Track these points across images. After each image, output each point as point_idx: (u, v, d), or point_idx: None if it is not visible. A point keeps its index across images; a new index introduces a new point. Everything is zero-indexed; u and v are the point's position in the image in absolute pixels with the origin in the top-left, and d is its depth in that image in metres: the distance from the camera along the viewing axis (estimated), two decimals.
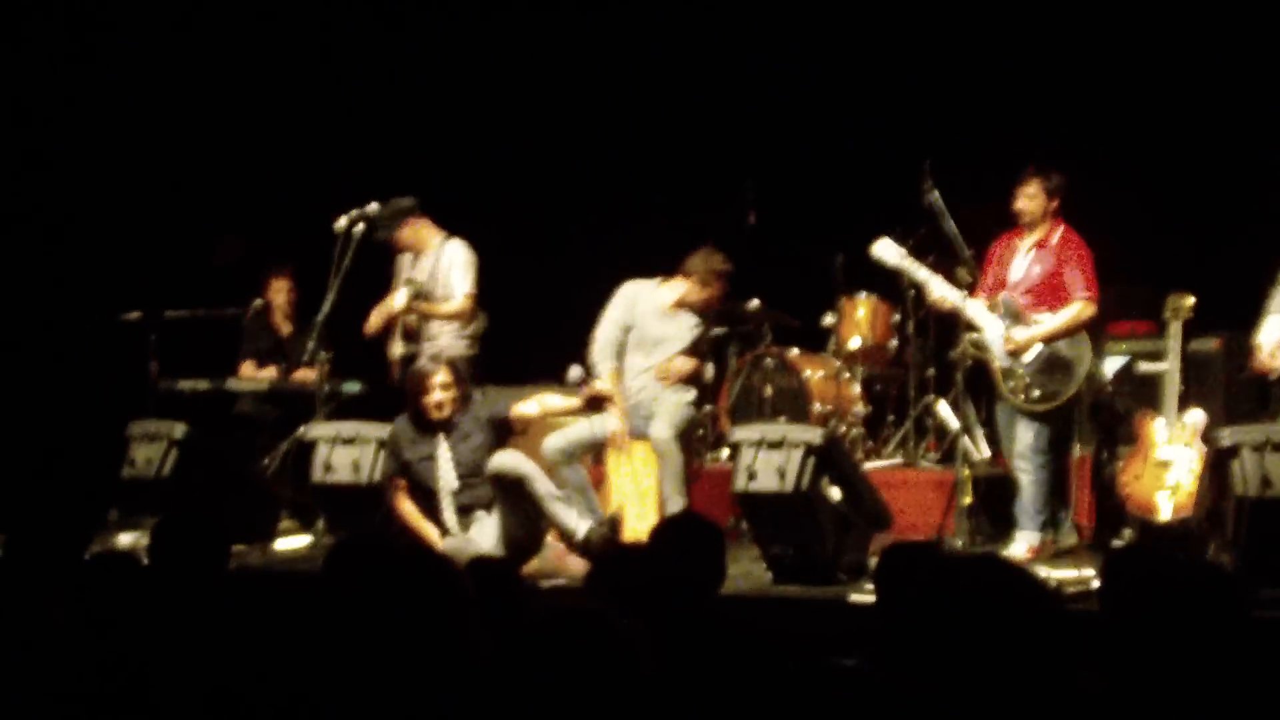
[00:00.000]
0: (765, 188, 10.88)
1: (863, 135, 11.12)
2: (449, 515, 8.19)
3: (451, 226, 9.56)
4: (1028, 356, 8.44)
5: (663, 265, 10.17)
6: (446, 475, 8.17)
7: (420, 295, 9.27)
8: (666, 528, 5.26)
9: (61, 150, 11.04)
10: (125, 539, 8.51)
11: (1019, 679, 2.85)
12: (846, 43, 11.30)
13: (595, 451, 9.23)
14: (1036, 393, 8.43)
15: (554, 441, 8.69)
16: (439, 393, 8.11)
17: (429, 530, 8.16)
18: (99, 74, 11.20)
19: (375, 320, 9.39)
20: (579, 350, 9.46)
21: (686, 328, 9.11)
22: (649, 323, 9.11)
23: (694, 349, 9.13)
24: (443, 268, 9.39)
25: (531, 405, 8.40)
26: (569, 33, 11.72)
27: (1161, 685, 3.16)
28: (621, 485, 8.93)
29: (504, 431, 8.28)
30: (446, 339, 9.36)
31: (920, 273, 8.92)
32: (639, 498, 8.86)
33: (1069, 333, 8.42)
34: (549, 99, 11.83)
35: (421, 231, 9.49)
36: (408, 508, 8.27)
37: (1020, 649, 2.86)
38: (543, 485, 7.97)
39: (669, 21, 11.61)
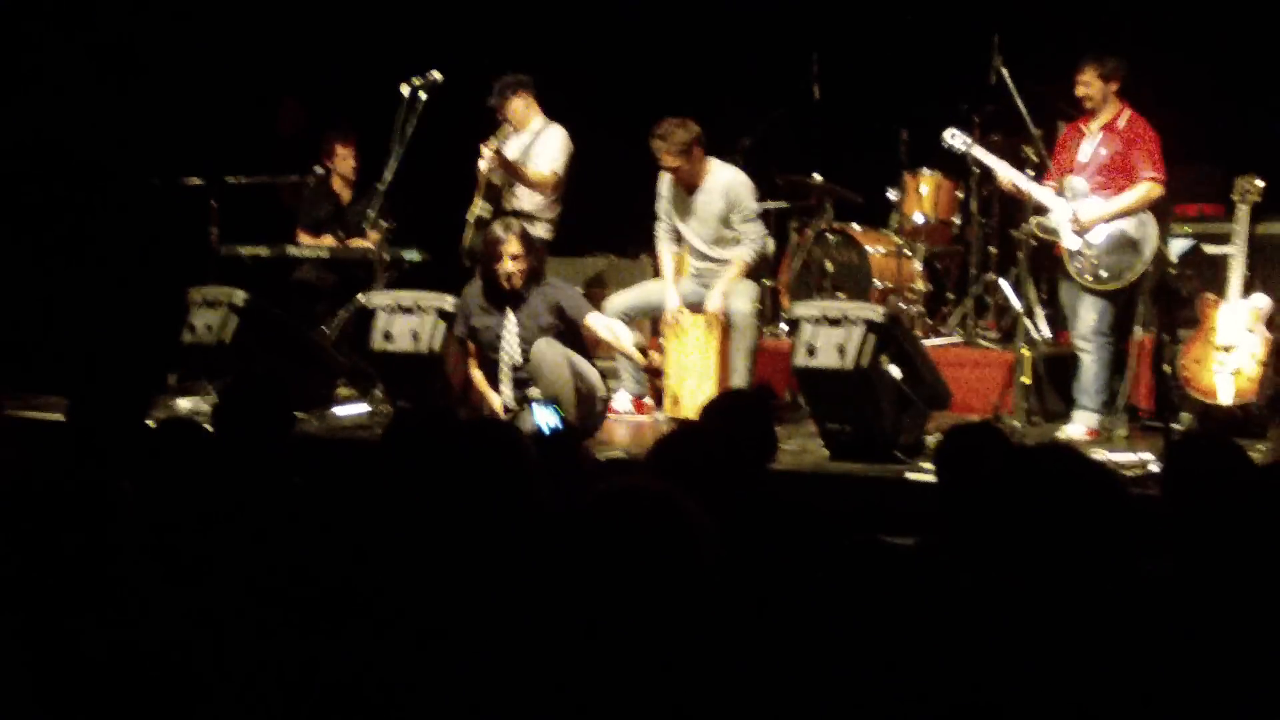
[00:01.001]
0: (830, 61, 10.79)
1: (930, 8, 11.00)
2: (506, 388, 8.22)
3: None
4: (1095, 237, 8.42)
5: (728, 139, 10.18)
6: (510, 348, 8.17)
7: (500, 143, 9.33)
8: (714, 404, 5.31)
9: (127, 14, 11.02)
10: (184, 404, 8.62)
11: (1083, 565, 2.87)
12: None
13: (654, 319, 9.29)
14: (1104, 273, 8.42)
15: (617, 301, 9.02)
16: (509, 262, 8.06)
17: (494, 398, 8.23)
18: None
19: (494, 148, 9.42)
20: (641, 223, 9.51)
21: (708, 210, 9.12)
22: (677, 205, 9.21)
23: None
24: (536, 147, 9.45)
25: (604, 327, 8.28)
26: None
27: (1223, 569, 3.19)
28: (681, 357, 8.97)
29: (574, 331, 8.23)
30: (528, 205, 9.42)
31: (989, 159, 8.92)
32: (699, 372, 8.90)
33: (1135, 211, 8.39)
34: None
35: (530, 108, 9.55)
36: (477, 374, 8.33)
37: (1086, 537, 2.88)
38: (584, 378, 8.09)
39: None
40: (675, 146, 8.88)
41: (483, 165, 9.36)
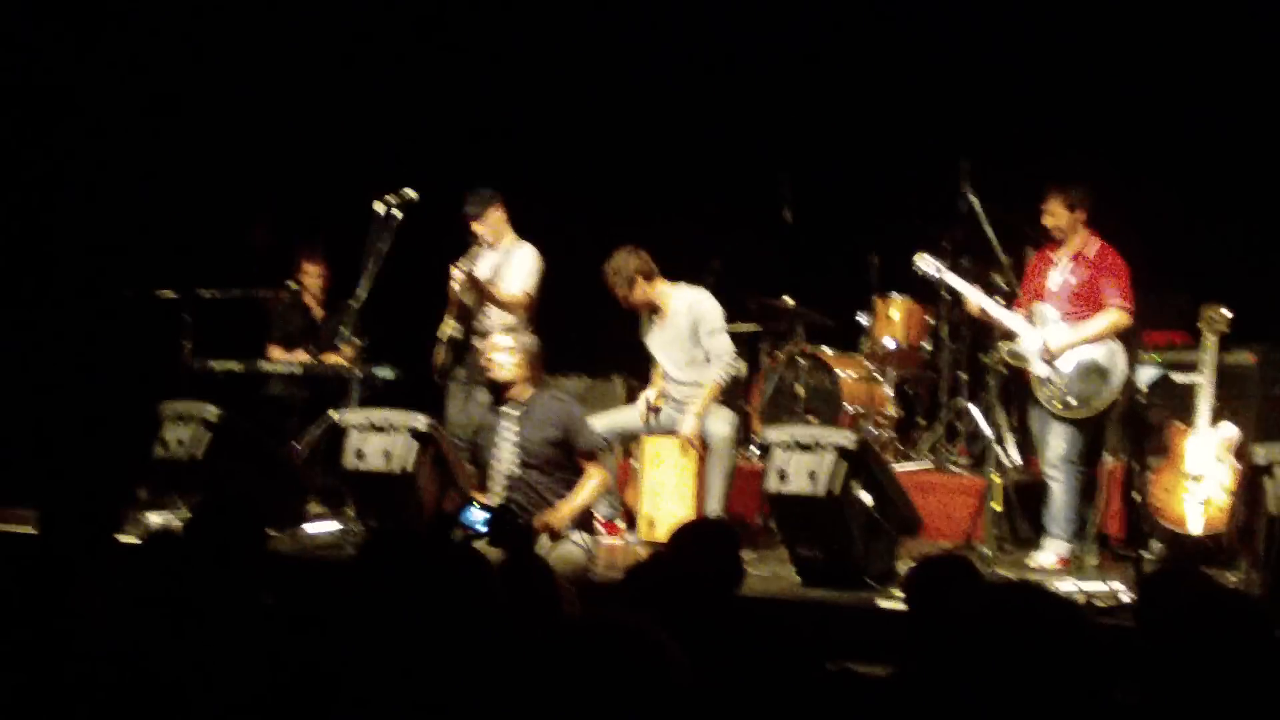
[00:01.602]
0: (801, 185, 10.89)
1: (900, 134, 11.12)
2: (495, 498, 7.87)
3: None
4: (1064, 364, 8.48)
5: (697, 262, 10.24)
6: (506, 455, 7.90)
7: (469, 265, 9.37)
8: (681, 532, 5.30)
9: (98, 126, 11.08)
10: (155, 518, 8.57)
11: (1051, 699, 2.88)
12: (884, 40, 11.30)
13: (626, 443, 9.31)
14: (1072, 400, 8.47)
15: (598, 423, 8.79)
16: (495, 352, 7.96)
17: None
18: (136, 50, 11.24)
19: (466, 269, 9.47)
20: (613, 344, 9.56)
21: (675, 331, 9.20)
22: (649, 334, 9.35)
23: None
24: (508, 266, 9.52)
25: (591, 488, 7.91)
26: (602, 26, 11.73)
27: (1194, 703, 3.20)
28: (658, 480, 8.98)
29: (569, 455, 7.93)
30: (497, 330, 9.44)
31: (959, 284, 9.01)
32: (675, 495, 8.91)
33: (1103, 339, 8.46)
34: (582, 93, 11.85)
35: (504, 225, 9.62)
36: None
37: (1053, 673, 2.89)
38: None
39: (704, 17, 11.62)
40: (623, 277, 9.03)
41: (454, 286, 9.39)
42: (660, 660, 2.65)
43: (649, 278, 9.08)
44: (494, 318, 9.49)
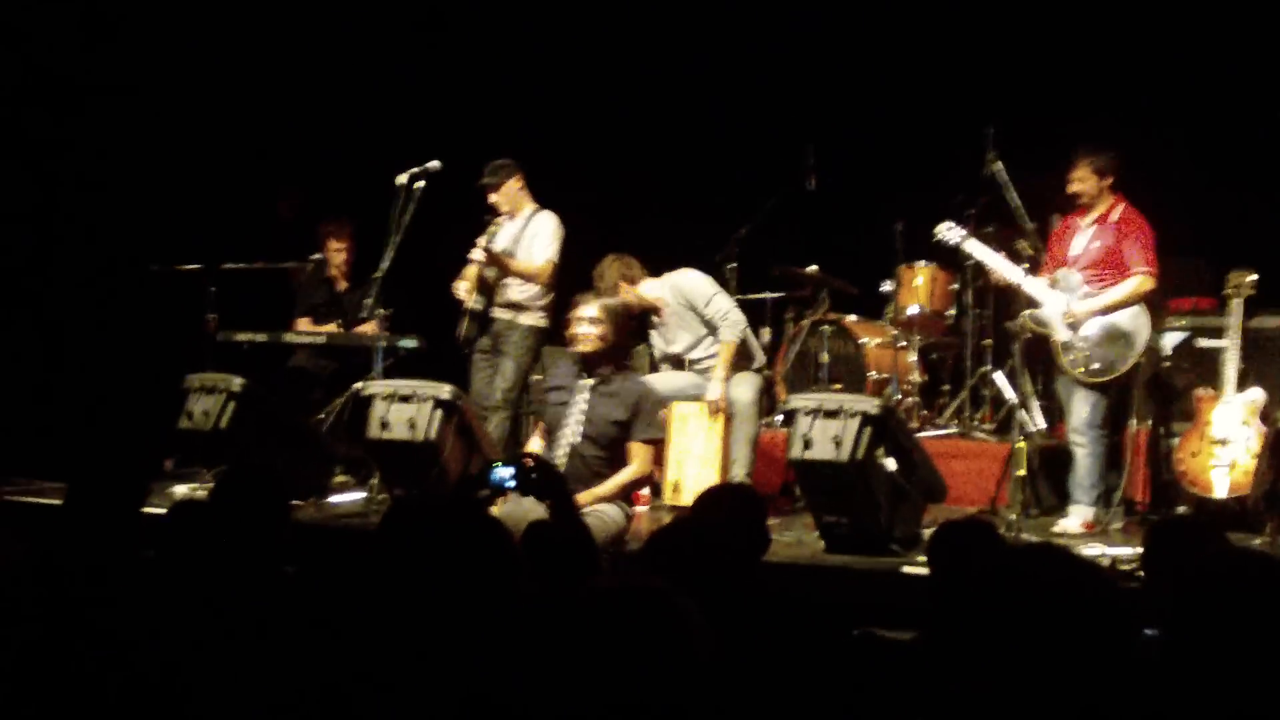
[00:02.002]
0: (826, 153, 10.86)
1: (923, 101, 11.09)
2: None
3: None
4: (1087, 329, 8.44)
5: (723, 232, 10.24)
6: (572, 425, 7.59)
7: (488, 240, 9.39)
8: (706, 497, 5.27)
9: (121, 101, 11.09)
10: (181, 489, 8.59)
11: (1074, 658, 2.87)
12: (906, 6, 11.26)
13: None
14: (1096, 365, 8.43)
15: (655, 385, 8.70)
16: (582, 325, 7.64)
17: None
18: (160, 24, 11.24)
19: (468, 287, 9.51)
20: (639, 314, 9.55)
21: (672, 321, 9.22)
22: (658, 332, 9.42)
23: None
24: (528, 234, 9.51)
25: (624, 477, 7.60)
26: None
27: (1205, 654, 3.19)
28: (684, 446, 8.98)
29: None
30: (519, 297, 9.48)
31: (983, 253, 8.97)
32: (700, 460, 8.91)
33: (1127, 305, 8.41)
34: (607, 66, 11.83)
35: (522, 194, 9.61)
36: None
37: (1077, 633, 2.88)
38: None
39: None
40: (607, 283, 9.04)
41: (475, 257, 9.40)
42: (683, 625, 2.64)
43: (632, 281, 9.11)
44: (515, 288, 9.50)
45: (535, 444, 7.71)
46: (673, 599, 2.66)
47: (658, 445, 8.10)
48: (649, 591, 2.69)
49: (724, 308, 9.08)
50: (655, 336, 9.40)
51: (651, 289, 9.21)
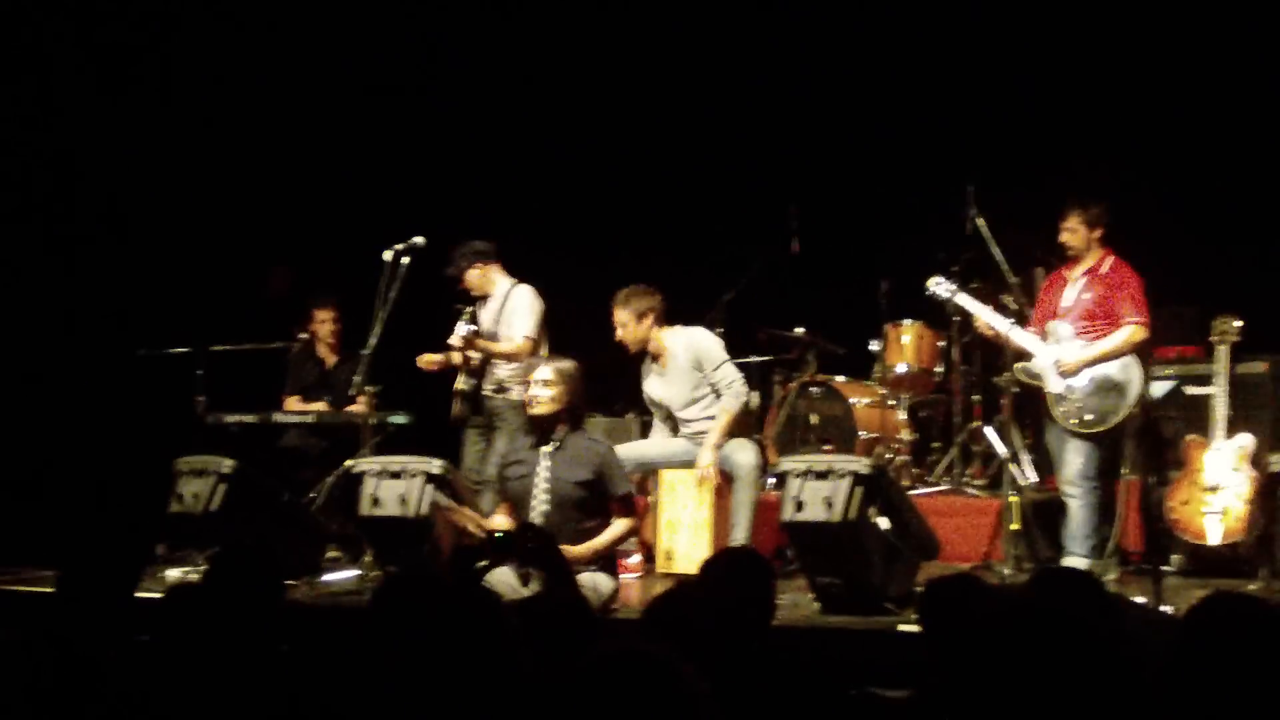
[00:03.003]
0: (808, 214, 10.90)
1: (905, 160, 11.13)
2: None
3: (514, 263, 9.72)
4: (1080, 380, 8.45)
5: (705, 295, 10.25)
6: (540, 494, 7.70)
7: (477, 334, 9.38)
8: (714, 562, 5.24)
9: (108, 184, 11.12)
10: (174, 573, 8.57)
11: (1076, 703, 2.87)
12: (888, 67, 11.32)
13: (644, 475, 9.27)
14: (1089, 416, 8.44)
15: (622, 452, 8.69)
16: (536, 387, 7.77)
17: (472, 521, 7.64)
18: (148, 104, 11.29)
19: (430, 360, 9.56)
20: (622, 381, 9.57)
21: (677, 373, 9.19)
22: (654, 382, 9.33)
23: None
24: (506, 311, 9.53)
25: (612, 534, 7.72)
26: (607, 60, 11.78)
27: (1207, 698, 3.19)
28: (674, 514, 8.97)
29: (601, 500, 7.75)
30: (505, 376, 9.50)
31: (975, 306, 9.00)
32: (692, 528, 8.90)
33: (1119, 355, 8.43)
34: (587, 128, 11.89)
35: (489, 275, 9.67)
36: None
37: (1070, 685, 2.88)
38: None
39: (708, 48, 11.66)
40: (632, 308, 9.05)
41: (455, 341, 9.42)
42: (688, 692, 2.61)
43: (657, 320, 9.09)
44: (502, 366, 9.54)
45: (500, 520, 7.71)
46: (678, 665, 2.64)
47: (635, 498, 8.17)
48: (654, 658, 2.65)
49: (730, 376, 9.06)
50: (652, 382, 9.33)
51: (665, 335, 9.20)
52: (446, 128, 12.03)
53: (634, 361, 9.42)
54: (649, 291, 9.10)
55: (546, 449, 7.75)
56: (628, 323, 9.06)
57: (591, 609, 4.68)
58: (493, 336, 9.51)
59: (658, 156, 11.78)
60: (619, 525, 7.72)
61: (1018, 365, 8.72)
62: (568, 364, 7.92)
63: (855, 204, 11.22)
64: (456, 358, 9.63)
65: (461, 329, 9.41)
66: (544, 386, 7.77)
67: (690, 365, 9.09)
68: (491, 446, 9.51)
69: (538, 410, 7.77)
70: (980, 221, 9.42)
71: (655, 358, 9.23)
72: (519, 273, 9.73)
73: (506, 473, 7.92)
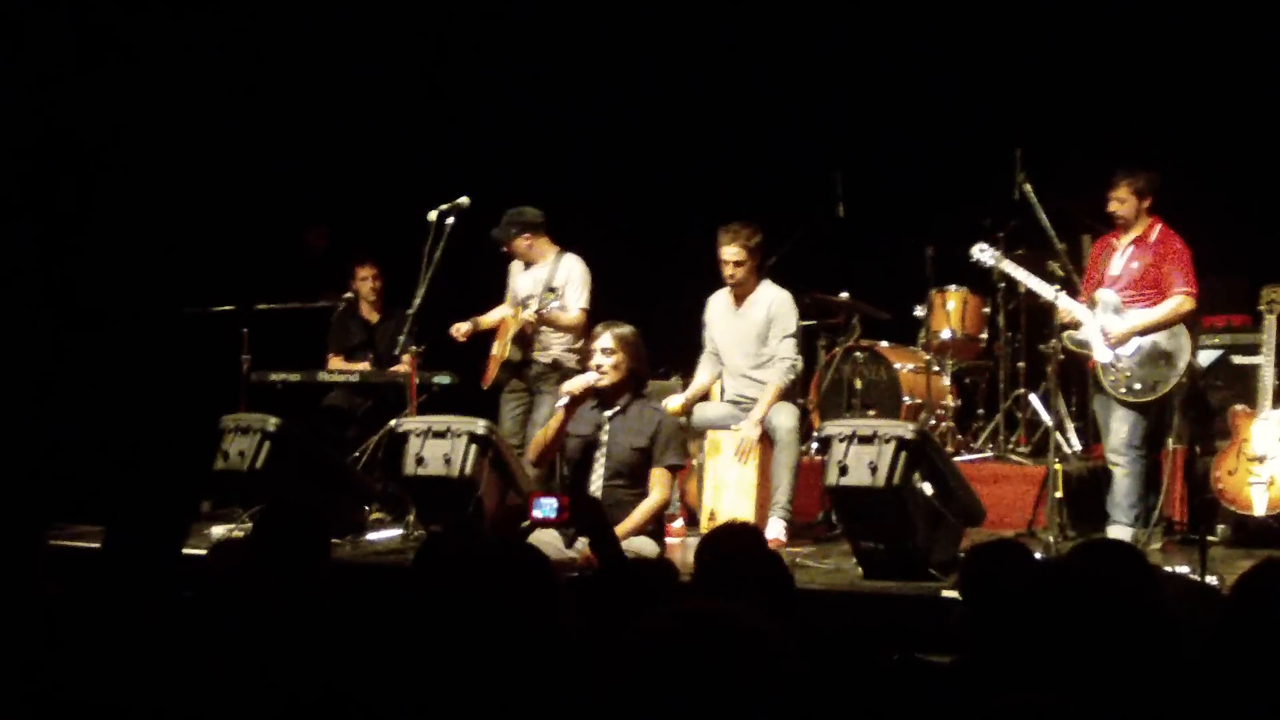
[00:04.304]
0: (854, 179, 10.85)
1: (952, 124, 11.07)
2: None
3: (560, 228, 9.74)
4: (1128, 349, 8.42)
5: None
6: (600, 461, 7.79)
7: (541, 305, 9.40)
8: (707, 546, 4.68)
9: (153, 144, 11.13)
10: (218, 530, 8.61)
11: (1116, 671, 2.85)
12: (935, 29, 11.25)
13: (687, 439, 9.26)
14: (1138, 385, 8.40)
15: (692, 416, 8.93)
16: (597, 355, 7.81)
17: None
18: (189, 59, 11.29)
19: (463, 331, 9.56)
20: (671, 352, 9.55)
21: (750, 323, 9.15)
22: (722, 322, 9.27)
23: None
24: (558, 281, 9.50)
25: (648, 507, 7.68)
26: (651, 20, 11.74)
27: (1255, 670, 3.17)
28: (720, 474, 8.97)
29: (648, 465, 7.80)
30: (558, 349, 9.51)
31: (1020, 274, 8.95)
32: (737, 487, 8.89)
33: (1168, 325, 8.38)
34: (631, 91, 11.85)
35: (537, 246, 9.66)
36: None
37: (1111, 655, 2.87)
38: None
39: (753, 10, 11.61)
40: (742, 241, 9.00)
41: (528, 317, 9.38)
42: (770, 654, 2.35)
43: (753, 256, 9.09)
44: (554, 344, 9.60)
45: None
46: (752, 620, 2.38)
47: (679, 472, 8.17)
48: (725, 615, 2.38)
49: (791, 353, 9.07)
50: (721, 314, 9.31)
51: (761, 282, 9.21)
52: (491, 87, 12.00)
53: (673, 325, 9.39)
54: (758, 228, 9.09)
55: (608, 413, 7.79)
56: (744, 259, 9.01)
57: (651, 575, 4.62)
58: (537, 300, 9.48)
59: (701, 120, 11.74)
60: (650, 499, 7.70)
61: (1065, 333, 8.67)
62: (627, 329, 7.93)
63: (900, 168, 11.16)
64: (486, 322, 9.64)
65: (532, 308, 9.37)
66: (603, 355, 7.79)
67: (764, 320, 9.07)
68: (533, 413, 9.52)
69: (603, 381, 7.78)
70: (1027, 187, 9.35)
71: (739, 298, 9.21)
72: (562, 237, 9.72)
73: (580, 438, 7.89)
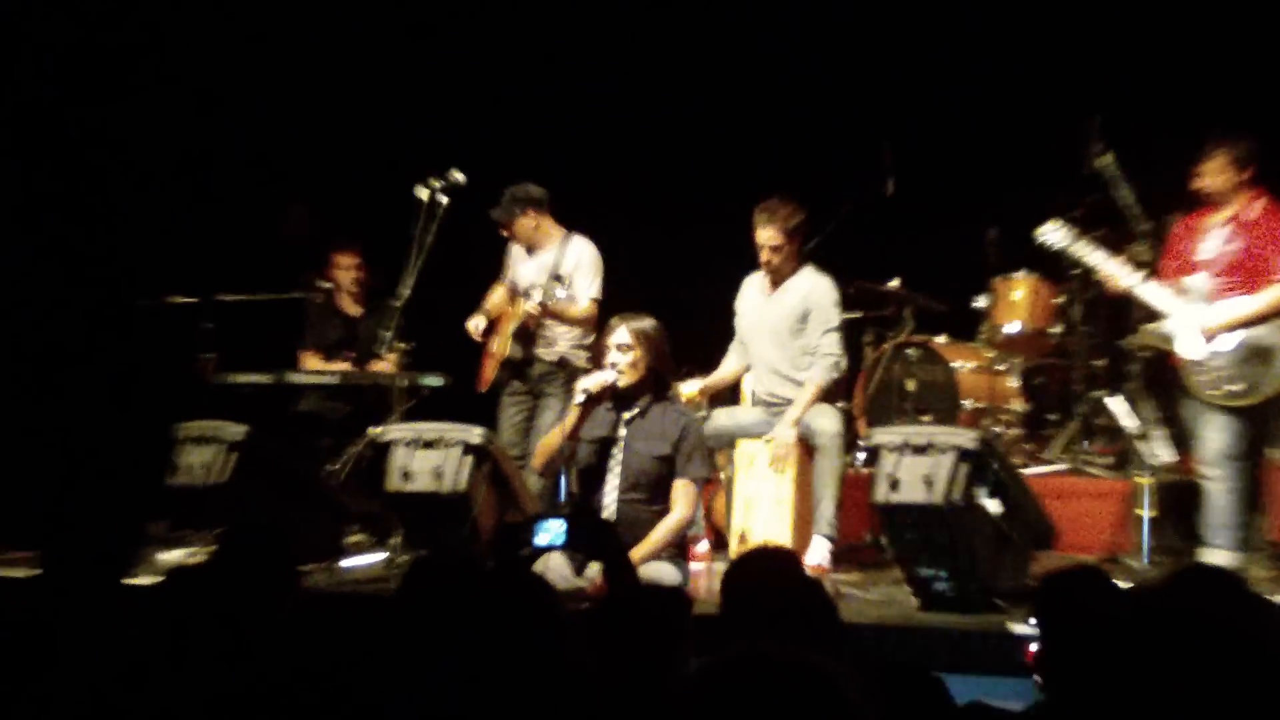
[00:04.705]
0: (905, 153, 10.79)
1: (1019, 88, 11.03)
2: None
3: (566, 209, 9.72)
4: (1222, 345, 8.30)
5: None
6: (614, 471, 7.77)
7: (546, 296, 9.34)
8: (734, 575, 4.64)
9: (108, 115, 11.13)
10: (172, 556, 8.56)
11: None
12: None
13: (714, 449, 9.20)
14: (1235, 386, 8.28)
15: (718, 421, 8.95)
16: (612, 353, 7.77)
17: None
18: (156, 37, 11.30)
19: (482, 323, 9.55)
20: (697, 349, 9.51)
21: (782, 311, 9.08)
22: (754, 310, 9.26)
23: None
24: (565, 267, 9.44)
25: (671, 524, 7.67)
26: None
27: None
28: (752, 489, 8.92)
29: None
30: (565, 345, 9.47)
31: (1095, 257, 8.83)
32: (773, 503, 8.84)
33: (1270, 316, 8.26)
34: (652, 50, 11.84)
35: (543, 226, 9.64)
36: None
37: (1211, 700, 2.80)
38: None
39: None
40: (783, 222, 8.93)
41: (532, 309, 9.33)
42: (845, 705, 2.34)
43: (792, 239, 9.03)
44: (561, 338, 9.61)
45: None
46: (822, 669, 2.38)
47: (705, 486, 8.15)
48: (809, 665, 2.37)
49: (833, 348, 9.04)
50: (753, 300, 9.28)
51: (800, 269, 9.16)
52: (489, 44, 11.99)
53: (693, 324, 9.34)
54: (798, 207, 9.05)
55: (625, 416, 7.72)
56: (781, 244, 8.95)
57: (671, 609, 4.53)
58: (541, 291, 9.45)
59: (731, 83, 11.73)
60: (672, 517, 7.66)
61: (1146, 327, 8.60)
62: (646, 322, 7.88)
63: (958, 139, 11.12)
64: (492, 308, 9.60)
65: (535, 299, 9.33)
66: (618, 352, 7.74)
67: (798, 310, 9.02)
68: (536, 419, 9.49)
69: (621, 381, 7.73)
70: (1106, 159, 9.27)
71: (776, 282, 9.16)
72: (570, 218, 9.68)
73: (578, 447, 7.85)
